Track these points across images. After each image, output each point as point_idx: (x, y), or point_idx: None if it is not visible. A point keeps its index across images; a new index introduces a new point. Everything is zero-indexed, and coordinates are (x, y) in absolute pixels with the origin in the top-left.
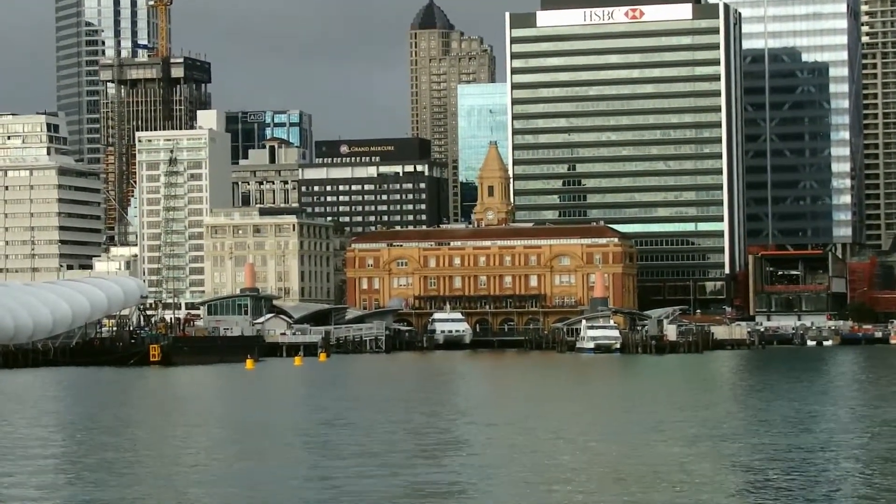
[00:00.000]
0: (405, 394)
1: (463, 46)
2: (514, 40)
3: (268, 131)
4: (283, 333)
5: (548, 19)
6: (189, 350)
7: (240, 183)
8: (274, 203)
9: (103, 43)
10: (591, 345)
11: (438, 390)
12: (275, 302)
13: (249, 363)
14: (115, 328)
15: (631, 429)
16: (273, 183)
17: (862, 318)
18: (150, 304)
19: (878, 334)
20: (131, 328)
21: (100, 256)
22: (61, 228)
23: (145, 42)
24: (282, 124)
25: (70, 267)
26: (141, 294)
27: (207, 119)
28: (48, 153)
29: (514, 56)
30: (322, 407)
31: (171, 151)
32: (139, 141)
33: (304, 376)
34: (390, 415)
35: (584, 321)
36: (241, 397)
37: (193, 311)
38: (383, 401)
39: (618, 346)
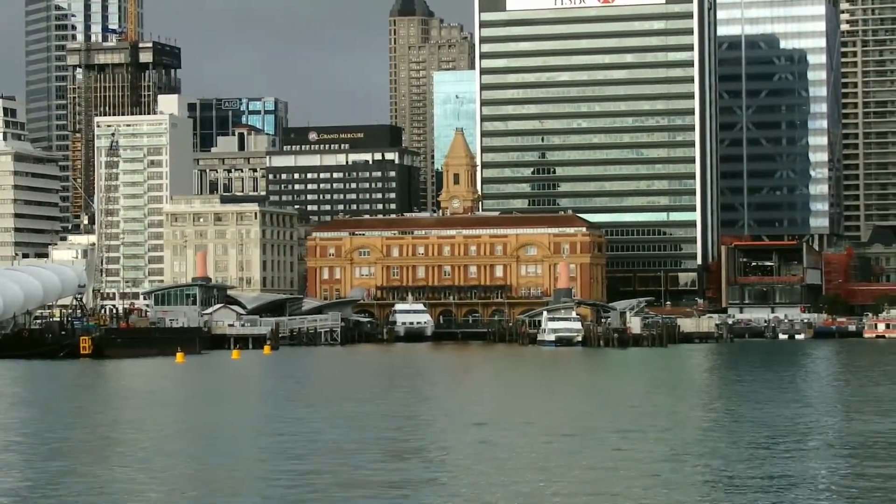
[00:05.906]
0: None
1: (443, 34)
2: (482, 24)
3: (243, 119)
4: (231, 325)
5: (518, 3)
6: (123, 342)
7: (207, 171)
8: (242, 191)
9: (74, 27)
10: (552, 337)
11: (345, 393)
12: (230, 292)
13: (179, 356)
14: (59, 318)
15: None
16: (241, 171)
17: (837, 310)
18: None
19: (852, 327)
20: (64, 319)
21: (56, 244)
22: (17, 216)
23: (116, 27)
24: (256, 112)
25: (26, 255)
26: (79, 283)
27: (169, 104)
28: (4, 138)
29: (483, 40)
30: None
31: (113, 135)
32: (98, 126)
33: (223, 373)
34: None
35: (545, 313)
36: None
37: (142, 302)
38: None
39: (579, 338)
